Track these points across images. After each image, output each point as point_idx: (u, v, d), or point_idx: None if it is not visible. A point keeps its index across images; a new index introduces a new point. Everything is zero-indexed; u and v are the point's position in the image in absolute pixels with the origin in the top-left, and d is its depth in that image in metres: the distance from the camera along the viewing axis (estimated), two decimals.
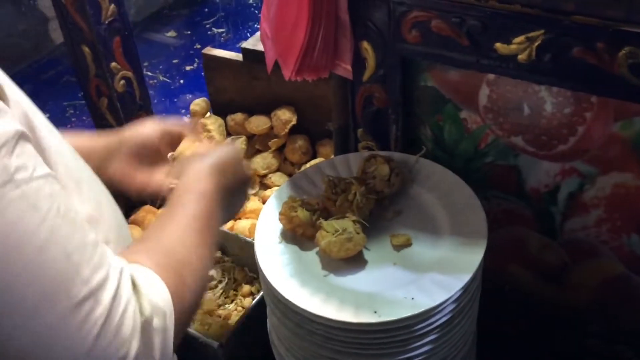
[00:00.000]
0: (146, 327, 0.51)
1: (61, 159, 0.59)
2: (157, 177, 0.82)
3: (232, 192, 0.77)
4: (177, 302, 0.56)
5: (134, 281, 0.53)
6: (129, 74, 1.30)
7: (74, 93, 1.82)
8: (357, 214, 0.85)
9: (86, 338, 0.47)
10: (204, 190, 0.70)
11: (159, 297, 0.54)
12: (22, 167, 0.46)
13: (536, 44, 0.76)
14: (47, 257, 0.46)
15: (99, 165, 0.79)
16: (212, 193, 0.70)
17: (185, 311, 0.58)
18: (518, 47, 0.77)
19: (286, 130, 1.45)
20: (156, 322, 0.52)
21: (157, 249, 0.61)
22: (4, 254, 0.44)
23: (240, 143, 1.51)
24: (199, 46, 2.04)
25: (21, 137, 0.48)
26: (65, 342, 0.46)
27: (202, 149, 0.81)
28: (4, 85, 0.50)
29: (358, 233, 0.82)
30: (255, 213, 1.29)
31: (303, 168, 1.38)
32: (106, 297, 0.48)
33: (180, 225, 0.64)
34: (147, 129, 0.85)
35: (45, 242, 0.46)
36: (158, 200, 1.01)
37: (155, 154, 0.84)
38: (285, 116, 1.45)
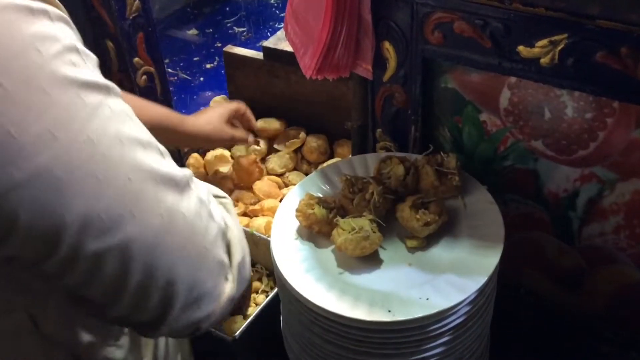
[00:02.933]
0: (231, 209, 0.62)
1: None
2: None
3: None
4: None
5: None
6: (151, 69, 1.31)
7: None
8: (374, 213, 0.85)
9: (185, 213, 0.53)
10: None
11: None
12: (94, 74, 0.50)
13: (559, 47, 0.76)
14: (150, 153, 0.51)
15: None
16: None
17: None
18: (541, 50, 0.77)
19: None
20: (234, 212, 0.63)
21: None
22: (119, 150, 0.48)
23: (261, 145, 1.52)
24: (219, 44, 2.06)
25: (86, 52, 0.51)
26: (180, 219, 0.53)
27: None
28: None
29: (374, 232, 0.82)
30: (272, 211, 1.30)
31: (320, 167, 1.39)
32: (194, 183, 0.56)
33: None
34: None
35: (147, 143, 0.51)
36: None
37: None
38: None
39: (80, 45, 0.49)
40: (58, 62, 0.45)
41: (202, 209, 0.55)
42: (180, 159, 1.47)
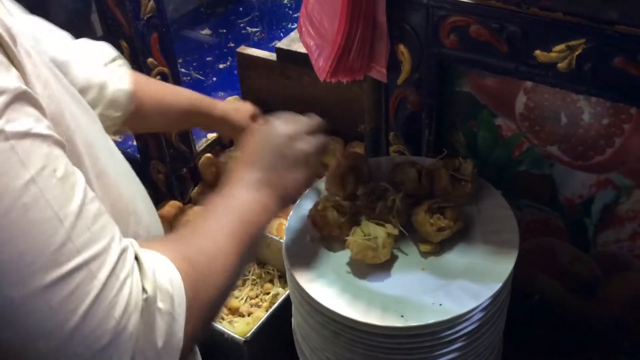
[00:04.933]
0: (148, 306, 0.47)
1: (90, 150, 0.59)
2: None
3: (287, 178, 0.72)
4: (190, 292, 0.51)
5: (139, 260, 0.49)
6: (165, 70, 1.31)
7: None
8: (398, 219, 0.83)
9: (73, 313, 0.42)
10: (250, 197, 0.66)
11: (167, 281, 0.50)
12: (15, 120, 0.42)
13: (577, 52, 0.75)
14: (32, 218, 0.41)
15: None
16: (260, 199, 0.67)
17: (202, 305, 0.53)
18: (558, 55, 0.76)
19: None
20: (161, 304, 0.48)
21: (181, 241, 0.58)
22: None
23: None
24: (232, 45, 2.05)
25: (22, 96, 0.44)
26: (47, 316, 0.41)
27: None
28: (24, 56, 0.47)
29: (384, 247, 0.80)
30: (285, 212, 1.30)
31: None
32: (102, 271, 0.44)
33: (215, 225, 0.62)
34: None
35: (32, 202, 0.41)
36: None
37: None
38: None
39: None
40: None
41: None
42: (192, 159, 1.47)
